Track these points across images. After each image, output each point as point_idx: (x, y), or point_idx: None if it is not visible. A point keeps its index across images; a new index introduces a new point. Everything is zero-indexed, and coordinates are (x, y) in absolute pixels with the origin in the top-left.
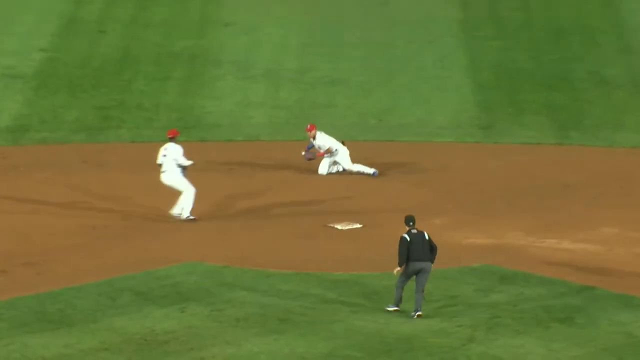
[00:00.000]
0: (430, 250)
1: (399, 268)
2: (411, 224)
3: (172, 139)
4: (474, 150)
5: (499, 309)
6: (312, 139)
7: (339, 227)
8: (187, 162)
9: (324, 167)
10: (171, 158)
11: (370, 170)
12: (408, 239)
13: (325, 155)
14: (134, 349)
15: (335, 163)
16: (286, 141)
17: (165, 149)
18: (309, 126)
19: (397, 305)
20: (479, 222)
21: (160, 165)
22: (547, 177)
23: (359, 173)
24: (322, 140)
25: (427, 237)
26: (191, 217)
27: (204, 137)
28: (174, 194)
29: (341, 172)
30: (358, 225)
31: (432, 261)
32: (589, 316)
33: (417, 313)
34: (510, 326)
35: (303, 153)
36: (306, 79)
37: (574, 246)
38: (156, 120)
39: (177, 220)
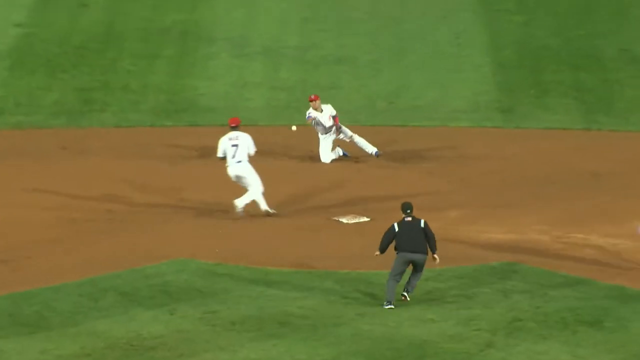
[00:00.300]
0: (425, 240)
1: (377, 252)
2: (408, 211)
3: (236, 128)
4: (493, 136)
5: (520, 311)
6: (311, 113)
7: (344, 220)
8: (254, 151)
9: (326, 155)
10: (245, 148)
11: (372, 149)
12: (396, 228)
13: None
14: (118, 355)
15: (334, 148)
16: (286, 126)
17: (236, 139)
18: (313, 96)
19: (390, 302)
20: (499, 215)
21: (222, 157)
22: (573, 166)
23: (360, 146)
24: (328, 109)
25: (422, 225)
26: (242, 213)
27: (196, 122)
28: (159, 184)
29: (342, 156)
30: (365, 219)
31: (425, 253)
32: (619, 319)
33: (403, 294)
34: (532, 330)
35: (308, 117)
36: (308, 58)
37: (603, 241)
38: (143, 102)
39: (272, 214)
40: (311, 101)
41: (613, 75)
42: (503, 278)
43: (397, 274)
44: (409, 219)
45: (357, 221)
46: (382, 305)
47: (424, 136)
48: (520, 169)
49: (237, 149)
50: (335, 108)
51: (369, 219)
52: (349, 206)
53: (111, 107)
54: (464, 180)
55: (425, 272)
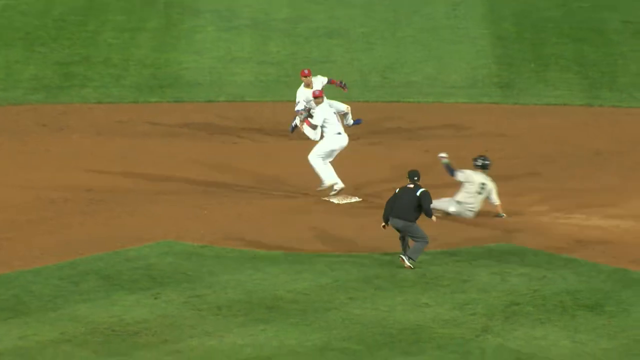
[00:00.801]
0: (415, 209)
1: (383, 223)
2: (415, 179)
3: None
4: (491, 112)
5: (518, 294)
6: (304, 89)
7: (335, 201)
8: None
9: (316, 132)
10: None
11: (350, 120)
12: (395, 193)
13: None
14: (100, 340)
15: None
16: (275, 102)
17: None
18: (307, 71)
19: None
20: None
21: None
22: (575, 143)
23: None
24: (318, 81)
25: (418, 193)
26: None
27: (181, 97)
28: (143, 162)
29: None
30: (357, 199)
31: (409, 220)
32: (621, 303)
33: (400, 256)
34: (530, 314)
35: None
36: (299, 31)
37: (605, 222)
38: (126, 77)
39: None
40: (305, 76)
41: (617, 49)
42: (500, 260)
43: (400, 236)
44: (411, 185)
45: (349, 201)
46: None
47: (419, 112)
48: (520, 147)
49: (337, 118)
50: None
51: (360, 199)
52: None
53: (92, 82)
54: (461, 159)
55: (422, 255)
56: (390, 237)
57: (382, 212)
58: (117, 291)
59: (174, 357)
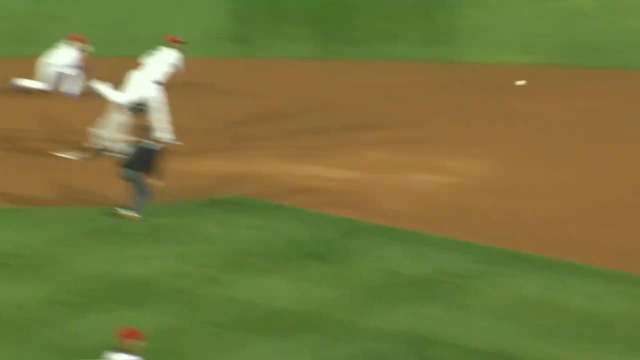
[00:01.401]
0: (144, 162)
1: None
2: (149, 134)
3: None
4: (226, 67)
5: (244, 244)
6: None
7: (66, 156)
8: None
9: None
10: None
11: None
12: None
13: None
14: None
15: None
16: (7, 58)
17: None
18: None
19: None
20: (227, 149)
21: None
22: (307, 96)
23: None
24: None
25: (148, 148)
26: None
27: None
28: None
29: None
30: (85, 155)
31: (138, 171)
32: (346, 252)
33: (118, 209)
34: (257, 265)
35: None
36: None
37: (330, 173)
38: None
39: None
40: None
41: (351, 2)
42: (226, 211)
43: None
44: (146, 141)
45: (80, 157)
46: None
47: None
48: (255, 101)
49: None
50: (59, 40)
51: (86, 155)
52: (73, 142)
53: None
54: (194, 114)
55: (149, 208)
56: (121, 191)
57: (116, 167)
58: None
59: None
